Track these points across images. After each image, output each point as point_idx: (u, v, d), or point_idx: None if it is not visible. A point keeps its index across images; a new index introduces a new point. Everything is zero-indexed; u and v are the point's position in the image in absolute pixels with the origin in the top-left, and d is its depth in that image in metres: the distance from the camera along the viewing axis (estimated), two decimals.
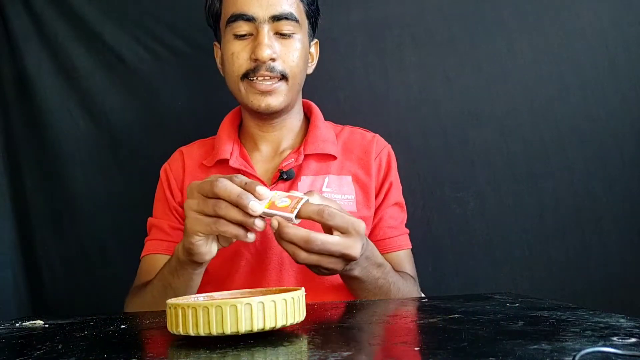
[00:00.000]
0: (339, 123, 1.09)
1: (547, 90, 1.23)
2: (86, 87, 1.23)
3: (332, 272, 0.72)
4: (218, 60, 1.02)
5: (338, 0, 1.22)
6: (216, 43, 1.02)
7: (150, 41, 1.24)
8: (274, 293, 0.55)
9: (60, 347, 0.52)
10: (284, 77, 0.92)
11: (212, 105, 1.24)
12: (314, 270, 0.72)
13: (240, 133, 1.04)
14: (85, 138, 1.24)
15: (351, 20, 1.24)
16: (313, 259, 0.68)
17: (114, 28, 1.23)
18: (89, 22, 1.22)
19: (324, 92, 1.19)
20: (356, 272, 0.77)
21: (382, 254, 0.88)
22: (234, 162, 0.97)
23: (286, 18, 0.91)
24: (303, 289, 0.56)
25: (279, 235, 0.67)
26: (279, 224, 0.67)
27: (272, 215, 0.67)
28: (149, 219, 1.03)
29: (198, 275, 0.80)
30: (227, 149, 0.98)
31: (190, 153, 1.04)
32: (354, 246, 0.70)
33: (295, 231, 0.67)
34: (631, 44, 1.22)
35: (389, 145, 1.06)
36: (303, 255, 0.68)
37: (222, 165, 0.99)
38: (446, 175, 1.23)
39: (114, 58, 1.23)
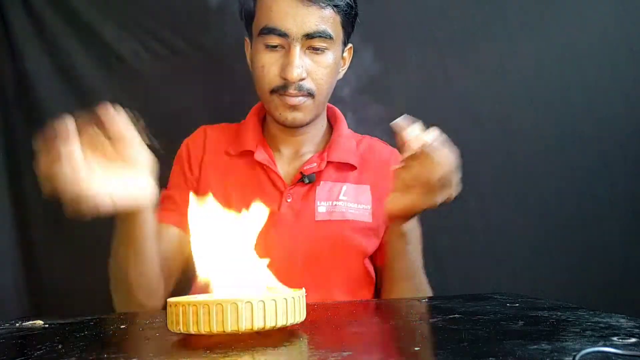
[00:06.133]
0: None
1: (549, 90, 1.23)
2: (86, 86, 1.23)
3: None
4: (248, 55, 1.00)
5: None
6: (247, 39, 1.00)
7: (150, 41, 1.23)
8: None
9: (60, 347, 0.52)
10: (310, 94, 0.92)
11: (212, 105, 1.24)
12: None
13: (264, 130, 1.03)
14: None
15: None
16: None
17: (113, 28, 1.22)
18: (89, 22, 1.22)
19: None
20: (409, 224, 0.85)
21: None
22: (259, 155, 0.97)
23: (320, 36, 0.89)
24: (304, 289, 0.56)
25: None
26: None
27: None
28: (162, 191, 0.99)
29: (133, 234, 0.77)
30: (253, 141, 0.98)
31: (213, 134, 1.03)
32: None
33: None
34: (633, 43, 1.22)
35: None
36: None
37: (247, 156, 0.98)
38: None
39: (114, 58, 1.23)
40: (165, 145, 1.22)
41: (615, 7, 1.22)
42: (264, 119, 1.04)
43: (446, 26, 1.23)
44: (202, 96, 1.25)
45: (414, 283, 0.92)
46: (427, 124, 1.23)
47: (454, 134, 1.23)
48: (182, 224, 0.92)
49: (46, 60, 1.22)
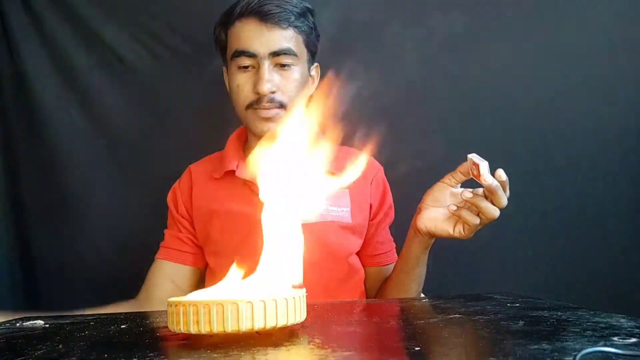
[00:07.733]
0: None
1: (550, 88, 1.23)
2: (85, 86, 1.23)
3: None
4: (227, 83, 1.08)
5: None
6: (224, 68, 1.08)
7: (150, 41, 1.23)
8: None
9: (60, 347, 0.52)
10: (282, 106, 0.99)
11: (212, 105, 1.24)
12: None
13: (245, 149, 1.10)
14: (83, 138, 1.23)
15: (350, 17, 1.24)
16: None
17: (113, 28, 1.22)
18: (89, 21, 1.22)
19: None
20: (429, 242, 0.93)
21: (383, 266, 1.07)
22: (240, 172, 1.04)
23: (285, 53, 0.99)
24: (304, 289, 0.56)
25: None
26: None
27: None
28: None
29: None
30: (234, 162, 1.05)
31: (198, 168, 1.11)
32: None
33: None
34: (634, 41, 1.22)
35: (382, 168, 1.11)
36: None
37: (230, 176, 1.05)
38: (447, 173, 1.23)
39: (114, 58, 1.23)
40: (165, 145, 1.23)
41: (614, 5, 1.22)
42: (245, 142, 1.11)
43: (447, 23, 1.23)
44: (202, 96, 1.25)
45: (421, 284, 1.00)
46: (427, 122, 1.24)
47: (453, 134, 1.24)
48: (172, 257, 1.07)
49: (45, 60, 1.22)
